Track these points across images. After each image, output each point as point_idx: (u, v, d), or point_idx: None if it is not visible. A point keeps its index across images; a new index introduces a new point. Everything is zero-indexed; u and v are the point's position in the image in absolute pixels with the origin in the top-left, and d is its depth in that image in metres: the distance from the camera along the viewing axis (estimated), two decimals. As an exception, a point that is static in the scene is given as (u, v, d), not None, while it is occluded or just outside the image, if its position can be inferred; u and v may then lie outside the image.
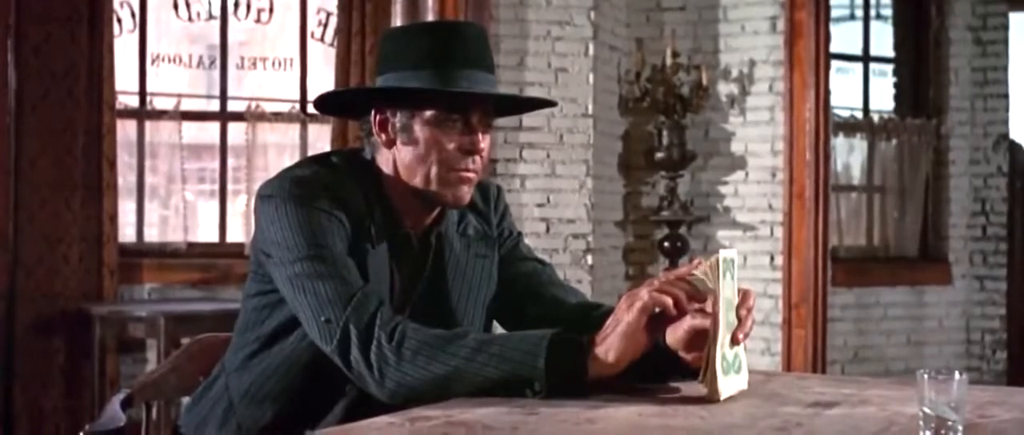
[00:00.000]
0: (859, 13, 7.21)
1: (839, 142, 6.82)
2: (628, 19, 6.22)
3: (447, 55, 2.05)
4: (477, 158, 2.08)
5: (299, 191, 2.01)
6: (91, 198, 5.59)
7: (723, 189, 6.22)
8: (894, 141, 7.01)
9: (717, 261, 1.83)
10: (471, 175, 2.08)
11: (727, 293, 1.86)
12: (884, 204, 7.07)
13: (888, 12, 7.28)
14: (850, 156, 7.02)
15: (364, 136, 2.17)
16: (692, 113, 6.10)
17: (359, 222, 2.05)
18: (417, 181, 2.08)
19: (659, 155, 6.05)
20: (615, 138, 6.19)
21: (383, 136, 2.10)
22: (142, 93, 5.96)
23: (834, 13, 6.59)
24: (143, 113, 5.95)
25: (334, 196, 2.03)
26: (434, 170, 2.06)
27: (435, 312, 2.12)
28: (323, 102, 2.21)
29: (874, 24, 7.20)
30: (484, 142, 2.08)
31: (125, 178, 5.86)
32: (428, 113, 2.05)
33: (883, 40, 7.22)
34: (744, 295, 1.90)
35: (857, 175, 7.06)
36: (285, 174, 2.09)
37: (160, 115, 5.96)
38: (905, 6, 7.19)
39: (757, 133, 6.14)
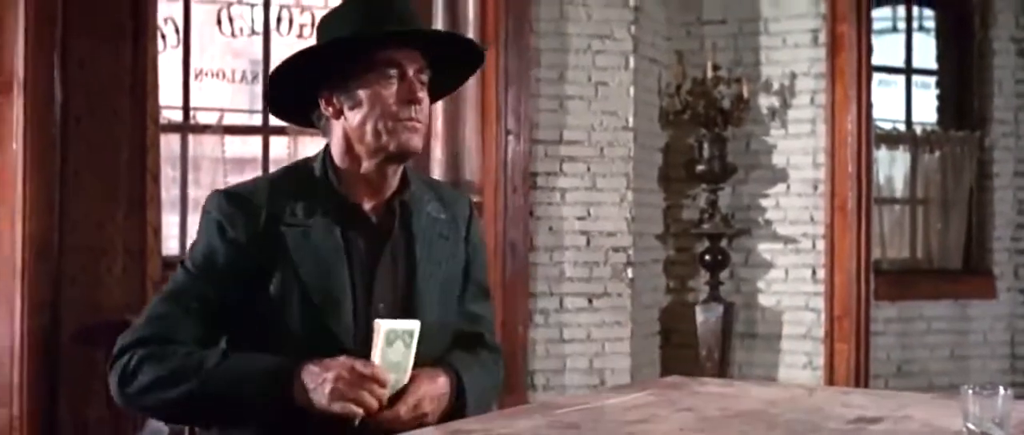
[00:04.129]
0: (901, 25, 7.16)
1: (881, 154, 6.77)
2: (668, 32, 6.21)
3: (373, 16, 2.16)
4: (418, 107, 2.17)
5: (208, 205, 2.23)
6: (134, 211, 5.63)
7: (764, 202, 6.19)
8: (937, 153, 6.95)
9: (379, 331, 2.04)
10: (416, 124, 2.18)
11: (392, 358, 2.03)
12: (927, 216, 7.01)
13: (931, 24, 7.23)
14: (892, 168, 6.96)
15: (318, 125, 2.26)
16: (733, 126, 6.08)
17: (279, 212, 2.17)
18: (368, 139, 2.17)
19: (700, 168, 6.04)
20: (655, 151, 6.18)
21: (330, 109, 2.21)
22: (186, 107, 6.01)
23: (876, 25, 6.56)
24: (186, 127, 6.00)
25: (243, 201, 2.18)
26: (380, 123, 2.16)
27: (404, 271, 2.21)
28: (277, 104, 2.33)
29: (917, 36, 7.16)
30: (422, 92, 2.18)
31: (168, 191, 5.90)
32: (365, 72, 2.15)
33: (926, 52, 7.17)
34: (413, 385, 2.08)
35: (900, 187, 7.01)
36: (227, 190, 2.27)
37: (203, 129, 6.01)
38: (948, 18, 7.14)
39: (799, 145, 6.11)
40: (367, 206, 2.23)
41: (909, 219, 7.04)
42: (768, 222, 6.17)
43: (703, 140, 6.04)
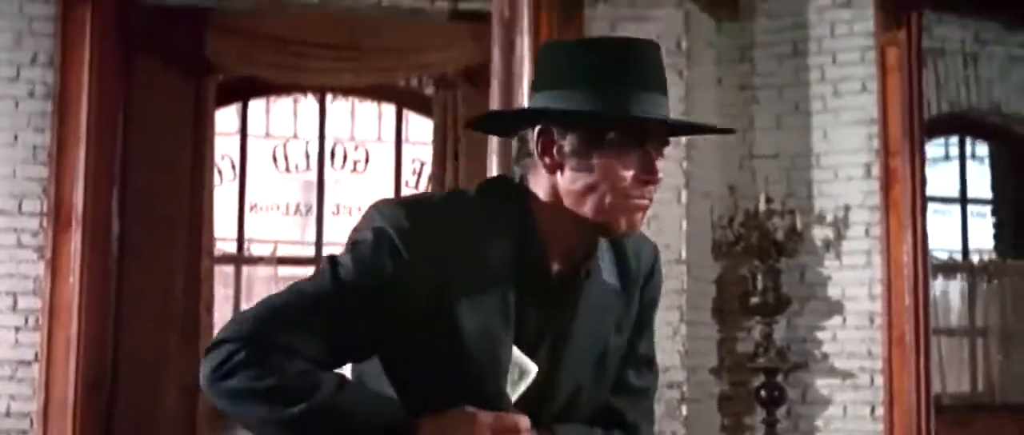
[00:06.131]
0: (954, 153, 7.12)
1: (938, 284, 6.68)
2: (721, 166, 6.19)
3: (622, 75, 1.88)
4: (653, 188, 1.91)
5: (383, 214, 1.89)
6: (188, 343, 5.66)
7: (821, 335, 6.10)
8: (995, 282, 6.85)
9: None
10: (646, 203, 1.90)
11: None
12: (987, 347, 6.88)
13: (984, 152, 7.18)
14: (950, 299, 6.86)
15: (516, 156, 1.98)
16: (787, 257, 6.03)
17: (460, 251, 1.87)
18: (586, 209, 1.89)
19: (754, 300, 5.97)
20: (709, 283, 6.13)
21: (547, 159, 1.90)
22: (240, 239, 6.07)
23: (929, 154, 6.52)
24: (241, 259, 6.06)
25: (427, 227, 1.87)
26: (608, 199, 1.88)
27: (562, 352, 1.96)
28: (484, 119, 2.13)
29: (970, 164, 7.11)
30: (660, 170, 1.92)
31: (221, 312, 5.93)
32: (608, 138, 1.87)
33: (981, 180, 7.11)
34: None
35: (956, 318, 6.90)
36: (408, 205, 1.92)
37: (257, 261, 6.07)
38: (1002, 146, 7.09)
39: (854, 277, 6.04)
40: (555, 268, 1.95)
41: (969, 350, 6.91)
42: (825, 356, 6.07)
43: (757, 272, 5.98)
